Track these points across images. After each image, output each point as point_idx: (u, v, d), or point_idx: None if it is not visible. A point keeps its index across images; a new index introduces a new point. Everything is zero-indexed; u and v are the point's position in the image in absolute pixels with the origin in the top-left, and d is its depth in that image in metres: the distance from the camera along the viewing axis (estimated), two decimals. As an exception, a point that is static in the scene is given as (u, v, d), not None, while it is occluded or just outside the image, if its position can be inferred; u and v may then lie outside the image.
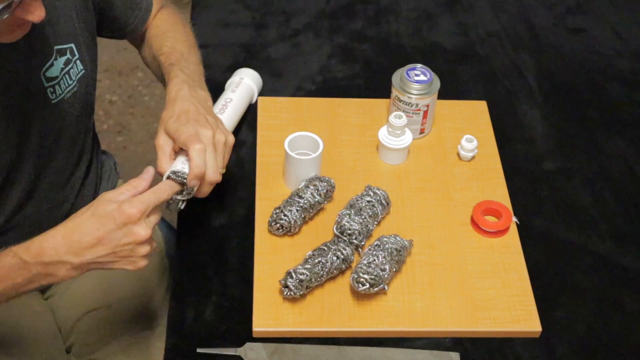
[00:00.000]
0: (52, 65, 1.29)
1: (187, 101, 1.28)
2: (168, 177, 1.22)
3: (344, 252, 1.27)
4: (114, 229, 1.11)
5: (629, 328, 1.29)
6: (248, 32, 1.73)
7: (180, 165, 1.23)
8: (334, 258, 1.26)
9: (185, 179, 1.21)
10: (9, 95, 1.24)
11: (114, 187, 1.59)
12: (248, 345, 1.22)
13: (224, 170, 1.27)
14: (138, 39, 1.50)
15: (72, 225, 1.14)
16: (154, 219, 1.16)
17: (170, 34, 1.45)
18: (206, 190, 1.25)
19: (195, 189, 1.23)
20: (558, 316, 1.29)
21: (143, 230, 1.12)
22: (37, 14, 1.09)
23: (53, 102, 1.31)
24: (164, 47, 1.42)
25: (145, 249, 1.14)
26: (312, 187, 1.34)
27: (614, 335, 1.28)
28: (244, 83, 1.53)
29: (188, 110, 1.27)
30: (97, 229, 1.12)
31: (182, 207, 1.24)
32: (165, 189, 1.19)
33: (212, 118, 1.28)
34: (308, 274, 1.23)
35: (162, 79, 1.43)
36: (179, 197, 1.23)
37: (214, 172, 1.23)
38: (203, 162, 1.22)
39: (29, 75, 1.26)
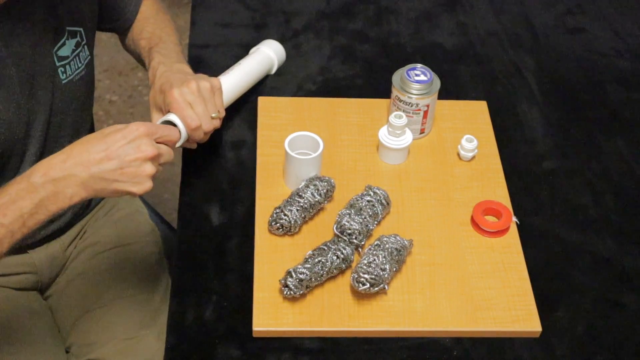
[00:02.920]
0: (64, 44, 1.33)
1: (164, 77, 1.36)
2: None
3: (344, 251, 1.27)
4: (123, 143, 1.14)
5: (629, 328, 1.29)
6: (248, 32, 1.73)
7: (166, 116, 1.31)
8: (334, 257, 1.26)
9: (173, 124, 1.29)
10: (22, 69, 1.27)
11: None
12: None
13: (223, 114, 1.36)
14: (125, 30, 1.55)
15: (80, 142, 1.16)
16: (165, 151, 1.19)
17: (151, 20, 1.53)
18: (201, 138, 1.33)
19: (183, 138, 1.30)
20: (558, 316, 1.29)
21: (150, 147, 1.15)
22: None
23: (63, 82, 1.35)
24: (144, 32, 1.51)
25: (151, 168, 1.16)
26: (312, 186, 1.34)
27: (614, 335, 1.28)
28: (260, 51, 1.58)
29: (167, 81, 1.34)
30: (105, 143, 1.14)
31: None
32: (177, 132, 1.23)
33: (191, 76, 1.36)
34: (308, 273, 1.23)
35: (141, 61, 1.52)
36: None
37: (205, 121, 1.31)
38: (193, 115, 1.30)
39: (42, 52, 1.30)
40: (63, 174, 1.13)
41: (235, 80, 1.47)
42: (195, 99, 1.31)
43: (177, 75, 1.35)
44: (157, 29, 1.50)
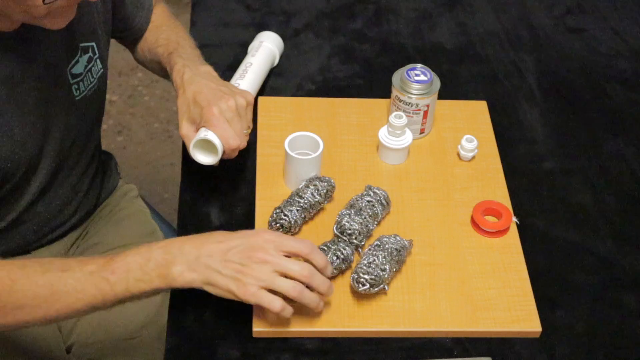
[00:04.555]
0: (77, 62, 1.33)
1: (195, 83, 1.34)
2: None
3: (343, 252, 1.27)
4: (238, 241, 1.12)
5: (629, 328, 1.29)
6: (248, 32, 1.72)
7: (204, 132, 1.30)
8: (334, 258, 1.26)
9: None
10: (37, 89, 1.26)
11: (115, 187, 1.60)
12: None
13: (251, 128, 1.35)
14: (135, 40, 1.53)
15: (209, 233, 1.15)
16: (290, 264, 1.13)
17: (164, 27, 1.51)
18: (234, 155, 1.33)
19: (219, 157, 1.31)
20: (558, 316, 1.29)
21: (263, 251, 1.12)
22: None
23: (77, 98, 1.34)
24: (159, 39, 1.48)
25: (257, 272, 1.11)
26: (312, 187, 1.34)
27: (613, 335, 1.28)
28: (264, 46, 1.57)
29: (200, 91, 1.32)
30: (225, 236, 1.14)
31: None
32: (309, 246, 1.16)
33: (225, 87, 1.34)
34: None
35: (158, 71, 1.50)
36: (207, 162, 1.31)
37: (242, 139, 1.31)
38: (234, 135, 1.29)
39: (57, 71, 1.30)
40: (176, 251, 1.12)
41: (253, 85, 1.47)
42: (233, 117, 1.30)
43: (210, 86, 1.33)
44: (172, 35, 1.49)
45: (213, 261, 1.10)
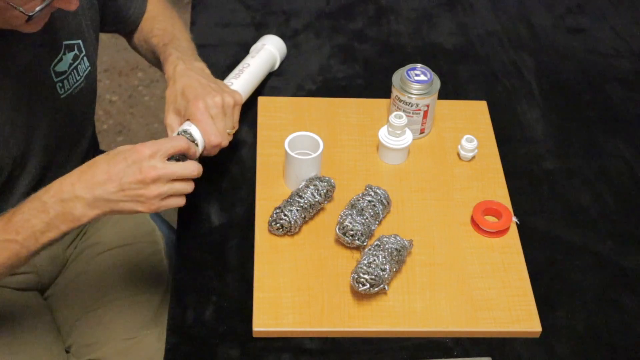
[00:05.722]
0: (61, 60, 1.32)
1: (186, 76, 1.34)
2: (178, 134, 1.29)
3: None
4: (124, 166, 1.14)
5: (629, 328, 1.29)
6: (248, 32, 1.73)
7: (187, 126, 1.29)
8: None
9: (191, 137, 1.27)
10: (18, 88, 1.26)
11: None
12: None
13: (236, 128, 1.35)
14: (130, 31, 1.54)
15: (88, 164, 1.17)
16: (179, 168, 1.17)
17: (160, 17, 1.51)
18: (214, 153, 1.32)
19: (199, 152, 1.29)
20: (558, 316, 1.29)
21: (152, 169, 1.14)
22: (73, 3, 1.15)
23: (62, 96, 1.34)
24: (155, 29, 1.49)
25: (156, 190, 1.15)
26: (312, 187, 1.34)
27: (613, 335, 1.28)
28: (265, 49, 1.58)
29: (190, 84, 1.32)
30: (108, 165, 1.15)
31: None
32: (182, 139, 1.21)
33: (215, 84, 1.35)
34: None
35: (153, 61, 1.50)
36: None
37: (224, 137, 1.31)
38: (216, 131, 1.29)
39: (39, 69, 1.29)
40: (70, 196, 1.15)
41: (247, 87, 1.47)
42: (218, 114, 1.30)
43: (201, 81, 1.33)
44: (168, 26, 1.49)
45: (110, 194, 1.15)
